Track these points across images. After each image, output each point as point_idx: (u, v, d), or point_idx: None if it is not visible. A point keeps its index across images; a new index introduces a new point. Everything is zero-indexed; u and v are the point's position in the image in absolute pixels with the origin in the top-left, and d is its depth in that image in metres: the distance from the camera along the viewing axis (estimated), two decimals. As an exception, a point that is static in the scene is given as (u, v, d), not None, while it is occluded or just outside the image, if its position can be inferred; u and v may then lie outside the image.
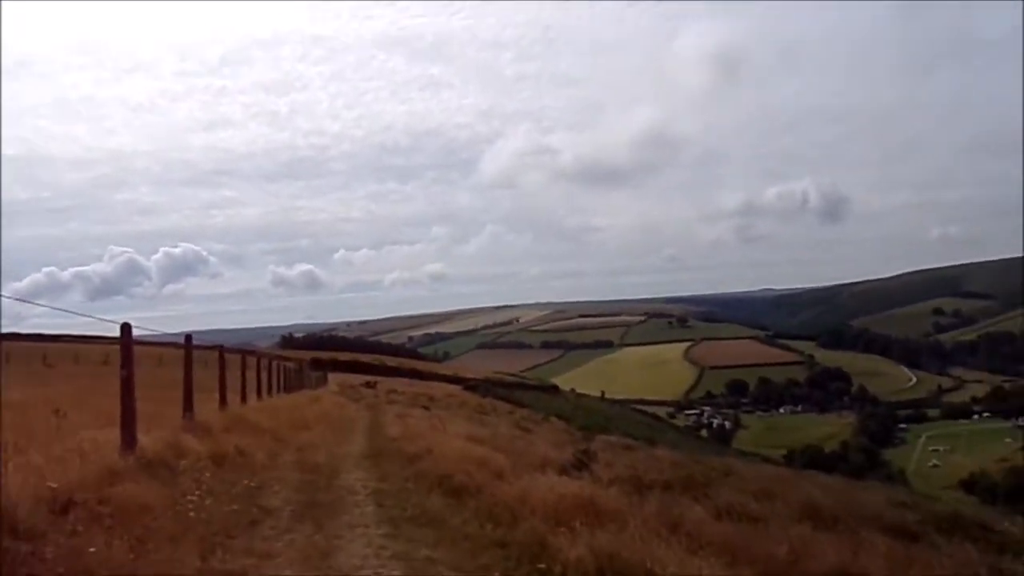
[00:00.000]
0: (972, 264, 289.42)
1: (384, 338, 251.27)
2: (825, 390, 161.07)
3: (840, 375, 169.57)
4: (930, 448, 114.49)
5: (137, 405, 6.87)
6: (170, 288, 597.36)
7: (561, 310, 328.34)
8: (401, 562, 4.85)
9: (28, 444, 6.13)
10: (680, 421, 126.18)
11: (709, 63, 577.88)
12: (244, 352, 18.59)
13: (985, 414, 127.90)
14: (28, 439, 6.44)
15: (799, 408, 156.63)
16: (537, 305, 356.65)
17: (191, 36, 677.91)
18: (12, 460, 5.15)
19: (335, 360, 72.12)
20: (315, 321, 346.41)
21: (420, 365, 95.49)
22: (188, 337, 10.02)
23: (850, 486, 13.69)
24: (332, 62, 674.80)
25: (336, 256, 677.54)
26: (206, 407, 11.64)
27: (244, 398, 14.98)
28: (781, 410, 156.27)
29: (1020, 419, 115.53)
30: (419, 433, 12.30)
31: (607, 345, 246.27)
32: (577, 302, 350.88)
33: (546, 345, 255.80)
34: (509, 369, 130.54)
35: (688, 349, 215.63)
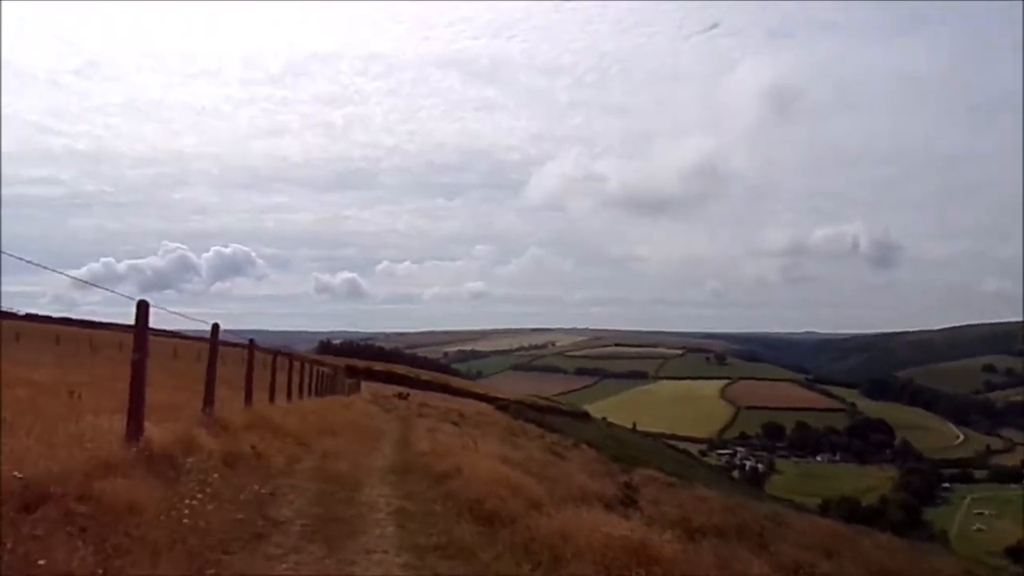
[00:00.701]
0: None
1: (420, 351, 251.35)
2: (866, 440, 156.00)
3: (882, 426, 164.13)
4: (975, 511, 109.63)
5: (157, 395, 6.23)
6: (218, 286, 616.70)
7: (598, 337, 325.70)
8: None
9: (25, 426, 5.55)
10: (712, 460, 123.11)
11: (763, 98, 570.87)
12: (276, 352, 18.19)
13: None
14: (31, 421, 5.86)
15: (837, 457, 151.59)
16: (574, 331, 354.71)
17: (255, 46, 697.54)
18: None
19: (370, 369, 71.98)
20: (354, 329, 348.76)
21: (453, 381, 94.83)
22: (215, 327, 9.45)
23: (913, 548, 12.58)
24: (389, 78, 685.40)
25: (379, 267, 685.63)
26: (231, 404, 11.12)
27: (272, 398, 14.46)
28: (818, 457, 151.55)
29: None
30: (449, 450, 11.55)
31: (642, 376, 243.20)
32: (615, 331, 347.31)
33: (581, 371, 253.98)
34: (541, 392, 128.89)
35: (725, 387, 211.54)
